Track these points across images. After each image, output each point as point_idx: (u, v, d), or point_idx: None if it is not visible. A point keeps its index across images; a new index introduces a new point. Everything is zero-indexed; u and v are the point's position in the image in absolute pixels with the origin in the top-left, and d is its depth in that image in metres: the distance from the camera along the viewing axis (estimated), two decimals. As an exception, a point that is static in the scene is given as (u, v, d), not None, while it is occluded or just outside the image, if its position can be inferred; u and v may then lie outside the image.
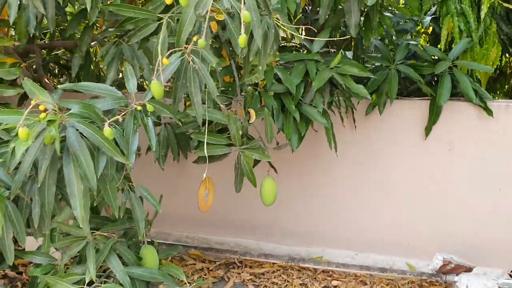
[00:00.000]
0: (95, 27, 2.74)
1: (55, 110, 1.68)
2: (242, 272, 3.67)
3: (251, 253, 3.82)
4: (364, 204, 3.68)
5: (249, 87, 2.70)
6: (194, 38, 1.91)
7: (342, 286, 3.45)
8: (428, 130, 3.41)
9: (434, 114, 3.36)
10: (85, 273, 2.14)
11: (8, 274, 3.48)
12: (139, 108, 1.95)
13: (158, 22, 2.04)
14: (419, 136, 3.46)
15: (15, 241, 1.92)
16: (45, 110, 1.66)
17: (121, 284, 2.14)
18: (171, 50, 1.92)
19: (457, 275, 3.26)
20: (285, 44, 3.77)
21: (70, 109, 1.81)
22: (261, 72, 2.27)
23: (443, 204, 3.50)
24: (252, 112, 2.61)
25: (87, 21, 2.64)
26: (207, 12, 1.84)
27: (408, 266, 3.61)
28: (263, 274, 3.64)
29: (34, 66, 3.36)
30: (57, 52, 4.05)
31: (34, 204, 1.83)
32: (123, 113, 1.88)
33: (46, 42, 3.76)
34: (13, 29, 3.28)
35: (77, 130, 1.73)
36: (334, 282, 3.49)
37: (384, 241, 3.67)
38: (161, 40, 1.92)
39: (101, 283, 2.18)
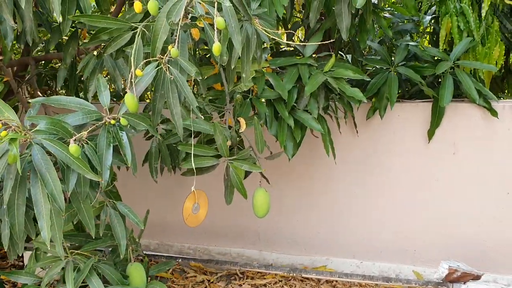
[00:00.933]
0: (80, 38, 2.67)
1: (18, 127, 1.61)
2: (243, 283, 3.57)
3: (253, 264, 3.72)
4: (368, 211, 3.57)
5: (238, 95, 2.61)
6: (169, 47, 1.82)
7: (346, 297, 3.34)
8: (431, 133, 3.29)
9: (436, 117, 3.24)
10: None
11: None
12: (112, 122, 1.87)
13: (133, 32, 1.95)
14: (422, 139, 3.34)
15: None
16: (7, 127, 1.58)
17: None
18: (145, 60, 1.84)
19: (464, 283, 3.13)
20: (285, 49, 3.68)
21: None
22: (245, 80, 2.18)
23: (449, 209, 3.37)
24: (242, 120, 2.51)
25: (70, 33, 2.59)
26: (180, 20, 1.76)
27: (415, 274, 3.49)
28: (264, 285, 3.55)
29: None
30: (53, 65, 4.00)
31: (3, 225, 1.76)
32: (91, 128, 1.79)
33: (41, 55, 3.71)
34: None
35: (44, 147, 1.66)
36: (338, 293, 3.39)
37: (390, 249, 3.56)
38: (134, 50, 1.84)
39: (83, 304, 2.10)
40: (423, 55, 3.31)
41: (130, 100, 1.79)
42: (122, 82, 2.55)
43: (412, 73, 3.16)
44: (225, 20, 1.77)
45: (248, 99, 2.68)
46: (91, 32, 2.54)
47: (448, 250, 3.41)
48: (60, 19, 2.04)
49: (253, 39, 2.08)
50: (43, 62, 3.90)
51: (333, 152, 3.04)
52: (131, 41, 1.97)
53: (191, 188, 2.31)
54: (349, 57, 3.64)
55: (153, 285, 2.28)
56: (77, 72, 2.69)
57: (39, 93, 3.31)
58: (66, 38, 2.88)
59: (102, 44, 2.51)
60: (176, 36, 1.77)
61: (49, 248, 1.68)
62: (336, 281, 3.50)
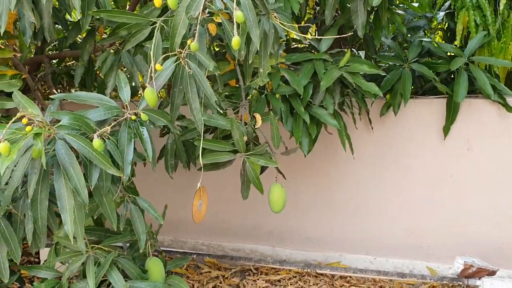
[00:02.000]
0: (97, 34, 2.69)
1: (42, 123, 1.62)
2: (257, 279, 3.59)
3: (267, 260, 3.73)
4: (382, 207, 3.57)
5: (254, 90, 2.62)
6: (188, 42, 1.83)
7: (360, 293, 3.35)
8: (446, 129, 3.28)
9: (451, 113, 3.24)
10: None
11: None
12: (133, 117, 1.89)
13: (152, 27, 1.97)
14: (437, 135, 3.34)
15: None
16: (31, 122, 1.60)
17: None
18: (164, 55, 1.85)
19: (479, 278, 3.13)
20: (297, 45, 3.69)
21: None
22: (263, 75, 2.19)
23: (464, 205, 3.37)
24: (258, 116, 2.52)
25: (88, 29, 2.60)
26: (199, 14, 1.77)
27: (428, 270, 3.49)
28: (279, 281, 3.55)
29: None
30: (66, 63, 4.03)
31: (27, 219, 1.78)
32: (113, 124, 1.81)
33: (55, 52, 3.73)
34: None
35: (67, 142, 1.67)
36: (352, 289, 3.39)
37: (403, 245, 3.56)
38: (154, 44, 1.85)
39: (103, 298, 2.12)
40: (437, 51, 3.31)
41: (150, 95, 1.80)
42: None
43: (426, 69, 3.16)
44: (243, 14, 1.78)
45: (263, 95, 2.69)
46: (107, 29, 2.57)
47: (462, 246, 3.40)
48: (79, 15, 2.05)
49: (271, 34, 2.09)
50: (56, 60, 3.93)
51: (350, 147, 3.04)
52: (149, 36, 1.98)
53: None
54: (361, 53, 3.64)
55: (171, 280, 2.30)
56: (94, 69, 2.70)
57: (54, 90, 3.33)
58: (81, 36, 2.91)
59: (117, 42, 2.54)
60: (194, 30, 1.78)
61: (72, 243, 1.69)
62: (350, 277, 3.51)
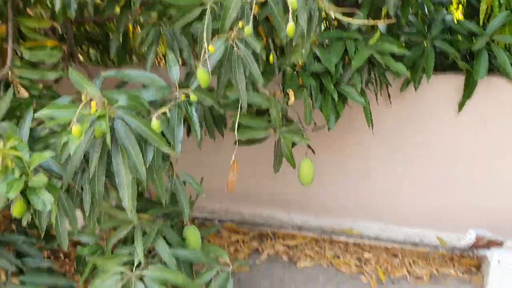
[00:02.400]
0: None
1: (103, 103, 1.70)
2: (275, 243, 3.73)
3: (284, 226, 3.87)
4: (397, 178, 3.69)
5: (288, 67, 2.68)
6: (239, 24, 1.90)
7: (374, 259, 3.50)
8: (461, 105, 3.37)
9: (468, 89, 3.32)
10: (132, 254, 2.22)
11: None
12: (183, 98, 1.97)
13: (202, 8, 2.02)
14: (454, 111, 3.43)
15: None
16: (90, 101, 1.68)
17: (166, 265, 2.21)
18: (216, 36, 1.92)
19: (488, 249, 3.28)
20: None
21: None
22: (305, 55, 2.25)
23: (476, 179, 3.49)
24: (291, 93, 2.60)
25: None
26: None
27: (438, 240, 3.64)
28: (296, 246, 3.71)
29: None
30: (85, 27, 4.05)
31: (85, 193, 1.88)
32: (168, 106, 1.89)
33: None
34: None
35: (125, 122, 1.76)
36: (366, 255, 3.54)
37: (415, 214, 3.69)
38: (206, 25, 1.91)
39: (147, 264, 2.24)
40: (458, 29, 3.36)
41: (203, 76, 1.88)
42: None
43: (448, 46, 3.22)
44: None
45: (295, 72, 2.76)
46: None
47: (473, 217, 3.54)
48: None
49: (315, 16, 2.14)
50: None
51: (372, 124, 3.13)
52: (199, 17, 2.04)
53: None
54: (382, 28, 3.67)
55: (208, 247, 2.42)
56: (135, 43, 2.75)
57: (78, 54, 3.38)
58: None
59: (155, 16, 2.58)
60: (250, 14, 1.85)
61: (129, 215, 1.80)
62: (364, 244, 3.66)
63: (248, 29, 1.84)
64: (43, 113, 1.65)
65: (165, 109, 1.84)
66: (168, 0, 1.96)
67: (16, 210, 1.75)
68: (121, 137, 1.75)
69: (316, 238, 3.76)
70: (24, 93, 2.47)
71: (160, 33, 2.47)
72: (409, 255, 3.52)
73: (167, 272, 2.12)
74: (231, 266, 2.35)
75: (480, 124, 3.39)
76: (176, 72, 2.02)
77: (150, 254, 2.35)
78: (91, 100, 1.69)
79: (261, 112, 2.57)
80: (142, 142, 1.83)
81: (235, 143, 2.54)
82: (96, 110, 1.67)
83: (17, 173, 1.68)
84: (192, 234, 2.43)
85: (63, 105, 1.74)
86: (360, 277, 3.31)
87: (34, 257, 2.43)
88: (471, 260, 3.43)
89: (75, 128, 1.56)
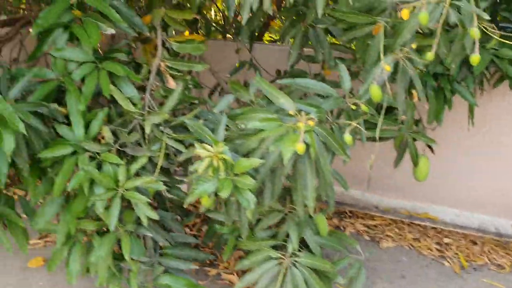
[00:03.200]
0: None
1: (306, 118, 1.88)
2: (355, 222, 3.95)
3: (359, 205, 4.08)
4: (474, 164, 3.79)
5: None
6: (413, 45, 2.06)
7: (454, 244, 3.70)
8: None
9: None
10: (276, 238, 2.45)
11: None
12: (353, 107, 2.14)
13: (372, 26, 2.17)
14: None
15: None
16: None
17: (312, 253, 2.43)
18: (390, 55, 2.07)
19: None
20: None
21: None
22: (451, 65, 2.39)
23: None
24: (415, 93, 2.75)
25: None
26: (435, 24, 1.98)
27: (513, 229, 3.82)
28: (375, 226, 3.92)
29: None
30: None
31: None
32: (357, 121, 2.06)
33: None
34: None
35: (316, 133, 1.95)
36: (446, 240, 3.75)
37: (490, 202, 3.83)
38: (380, 42, 2.06)
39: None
40: None
41: (376, 91, 2.05)
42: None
43: None
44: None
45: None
46: None
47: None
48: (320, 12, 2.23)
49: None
50: None
51: (473, 120, 3.27)
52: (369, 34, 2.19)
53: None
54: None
55: (340, 235, 2.63)
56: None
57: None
58: None
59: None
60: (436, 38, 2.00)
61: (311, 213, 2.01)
62: (442, 229, 3.87)
63: (431, 54, 1.98)
64: (255, 124, 1.84)
65: (354, 124, 2.01)
66: (350, 20, 2.10)
67: (208, 202, 1.98)
68: (317, 148, 1.93)
69: (394, 219, 3.97)
70: (171, 83, 2.64)
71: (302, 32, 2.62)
72: (488, 243, 3.70)
73: (317, 260, 2.35)
74: (363, 255, 2.56)
75: None
76: (347, 81, 2.18)
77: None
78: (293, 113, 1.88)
79: (388, 111, 2.74)
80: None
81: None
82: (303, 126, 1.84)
83: (223, 174, 1.89)
84: (321, 221, 2.62)
85: (269, 118, 1.91)
86: (443, 262, 3.52)
87: (178, 232, 2.66)
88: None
89: (300, 146, 1.75)
